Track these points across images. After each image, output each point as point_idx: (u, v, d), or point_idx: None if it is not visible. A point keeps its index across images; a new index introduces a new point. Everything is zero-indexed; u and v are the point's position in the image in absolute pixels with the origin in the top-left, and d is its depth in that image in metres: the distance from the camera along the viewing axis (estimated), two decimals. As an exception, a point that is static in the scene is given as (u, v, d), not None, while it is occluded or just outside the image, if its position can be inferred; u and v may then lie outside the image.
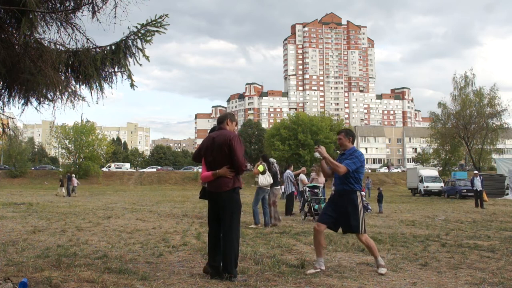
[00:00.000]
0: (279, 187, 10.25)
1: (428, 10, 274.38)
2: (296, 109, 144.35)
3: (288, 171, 13.51)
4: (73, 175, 27.56)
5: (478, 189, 18.45)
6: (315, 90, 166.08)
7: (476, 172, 20.45)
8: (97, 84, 4.55)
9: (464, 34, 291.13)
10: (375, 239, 6.96)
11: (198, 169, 55.89)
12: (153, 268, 4.84)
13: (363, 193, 16.55)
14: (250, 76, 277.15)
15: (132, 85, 4.68)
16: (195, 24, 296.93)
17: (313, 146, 51.52)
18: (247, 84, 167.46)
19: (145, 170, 66.43)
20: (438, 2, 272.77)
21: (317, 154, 4.91)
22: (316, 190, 11.60)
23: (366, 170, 67.61)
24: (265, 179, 9.20)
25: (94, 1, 4.19)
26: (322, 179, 12.44)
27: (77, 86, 4.63)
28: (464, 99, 40.38)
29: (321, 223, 4.86)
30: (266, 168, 9.21)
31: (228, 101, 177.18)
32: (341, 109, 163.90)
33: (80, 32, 4.34)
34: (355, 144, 5.19)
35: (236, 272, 4.30)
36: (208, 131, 4.89)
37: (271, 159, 10.47)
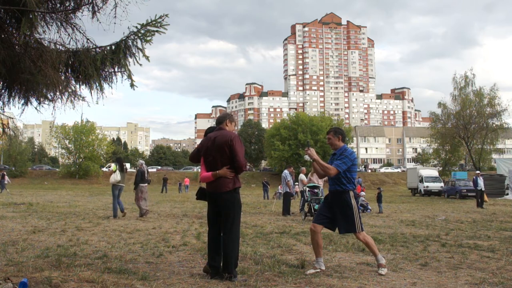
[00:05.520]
0: (146, 184, 11.80)
1: (427, 10, 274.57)
2: (296, 109, 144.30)
3: (285, 171, 13.49)
4: (5, 173, 30.56)
5: (483, 189, 18.47)
6: (315, 90, 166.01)
7: (478, 172, 20.45)
8: (97, 84, 4.55)
9: (463, 34, 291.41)
10: (375, 239, 6.96)
11: (198, 169, 55.87)
12: (153, 268, 4.84)
13: (363, 193, 16.42)
14: (250, 76, 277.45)
15: (132, 85, 4.67)
16: (195, 24, 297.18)
17: (313, 146, 51.71)
18: (247, 84, 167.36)
19: (145, 170, 66.31)
20: (437, 2, 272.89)
21: (307, 157, 4.90)
22: (316, 190, 11.60)
23: (367, 171, 67.55)
24: (113, 178, 11.19)
25: (94, 1, 4.19)
26: (318, 179, 12.44)
27: (77, 86, 4.63)
28: (464, 99, 40.39)
29: (317, 224, 4.84)
30: (118, 168, 11.22)
31: (228, 101, 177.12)
32: (341, 109, 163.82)
33: (80, 32, 4.34)
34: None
35: (236, 272, 4.30)
36: (205, 131, 4.86)
37: (140, 161, 12.43)
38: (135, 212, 13.53)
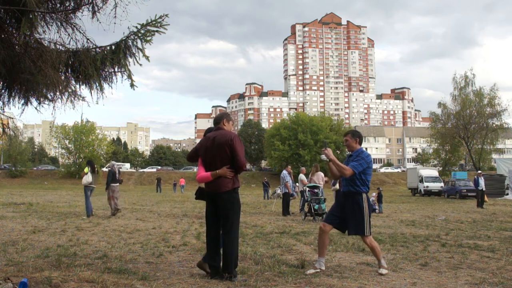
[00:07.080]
0: (117, 184, 12.18)
1: (427, 10, 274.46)
2: (296, 109, 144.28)
3: (284, 171, 13.49)
4: None
5: (484, 189, 18.47)
6: (315, 90, 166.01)
7: (480, 172, 20.45)
8: (97, 84, 4.55)
9: (463, 34, 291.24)
10: (375, 239, 6.95)
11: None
12: (153, 268, 4.84)
13: (374, 193, 16.41)
14: (249, 76, 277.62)
15: (132, 85, 4.67)
16: (195, 24, 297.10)
17: (313, 146, 51.76)
18: (247, 84, 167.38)
19: (145, 170, 66.49)
20: (437, 2, 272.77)
21: (323, 157, 4.85)
22: (316, 190, 11.59)
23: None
24: (85, 179, 11.66)
25: (94, 1, 4.19)
26: (318, 179, 12.43)
27: (77, 86, 4.63)
28: (464, 99, 40.33)
29: (327, 224, 4.85)
30: (90, 170, 11.69)
31: (228, 101, 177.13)
32: (341, 109, 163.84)
33: (80, 32, 4.34)
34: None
35: (236, 272, 4.30)
36: (205, 132, 4.86)
37: (112, 162, 12.92)
38: (135, 212, 13.54)
